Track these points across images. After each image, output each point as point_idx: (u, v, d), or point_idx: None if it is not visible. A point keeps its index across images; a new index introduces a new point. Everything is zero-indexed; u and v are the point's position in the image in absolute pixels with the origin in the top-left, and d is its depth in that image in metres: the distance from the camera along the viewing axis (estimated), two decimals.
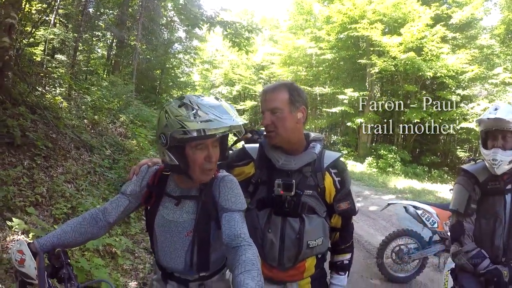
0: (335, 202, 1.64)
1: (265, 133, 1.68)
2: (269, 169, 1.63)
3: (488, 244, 1.85)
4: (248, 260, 1.12)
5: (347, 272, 1.78)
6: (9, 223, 3.04)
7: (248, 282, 1.04)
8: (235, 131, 1.35)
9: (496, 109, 1.80)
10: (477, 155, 20.25)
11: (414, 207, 3.91)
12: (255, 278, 1.06)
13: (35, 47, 6.36)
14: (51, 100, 6.12)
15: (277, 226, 1.60)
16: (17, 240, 1.23)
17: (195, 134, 1.23)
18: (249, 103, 29.72)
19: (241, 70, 31.32)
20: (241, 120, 1.29)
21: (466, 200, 1.89)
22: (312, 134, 1.73)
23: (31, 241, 1.25)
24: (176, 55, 21.33)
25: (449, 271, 2.09)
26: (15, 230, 3.02)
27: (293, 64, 22.31)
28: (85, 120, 7.05)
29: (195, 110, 1.24)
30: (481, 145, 1.89)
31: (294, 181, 1.55)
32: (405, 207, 4.05)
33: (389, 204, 4.31)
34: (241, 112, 30.54)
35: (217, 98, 1.34)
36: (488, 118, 1.80)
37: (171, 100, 1.38)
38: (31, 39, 7.06)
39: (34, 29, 6.78)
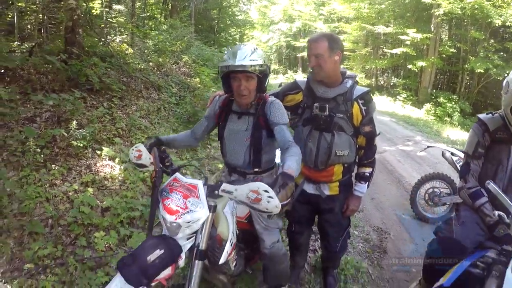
0: (361, 125, 2.15)
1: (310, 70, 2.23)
2: (312, 97, 2.19)
3: None
4: (293, 151, 1.68)
5: (368, 183, 2.34)
6: (98, 152, 3.82)
7: (291, 160, 1.59)
8: (243, 69, 1.83)
9: None
10: None
11: (451, 153, 3.98)
12: (296, 160, 1.61)
13: (93, 1, 6.72)
14: (118, 48, 6.71)
15: (315, 138, 2.17)
16: (136, 145, 1.86)
17: (220, 68, 1.91)
18: None
19: (301, 6, 30.05)
20: (248, 62, 1.81)
21: (475, 144, 2.15)
22: (348, 72, 2.22)
23: (144, 143, 1.96)
24: None
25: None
26: (103, 157, 3.80)
27: (355, 0, 20.90)
28: (150, 63, 7.66)
29: (225, 53, 1.91)
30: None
31: (327, 105, 2.12)
32: (442, 152, 4.14)
33: (428, 147, 4.43)
34: (302, 49, 29.97)
35: (244, 45, 1.92)
36: None
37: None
38: None
39: None
